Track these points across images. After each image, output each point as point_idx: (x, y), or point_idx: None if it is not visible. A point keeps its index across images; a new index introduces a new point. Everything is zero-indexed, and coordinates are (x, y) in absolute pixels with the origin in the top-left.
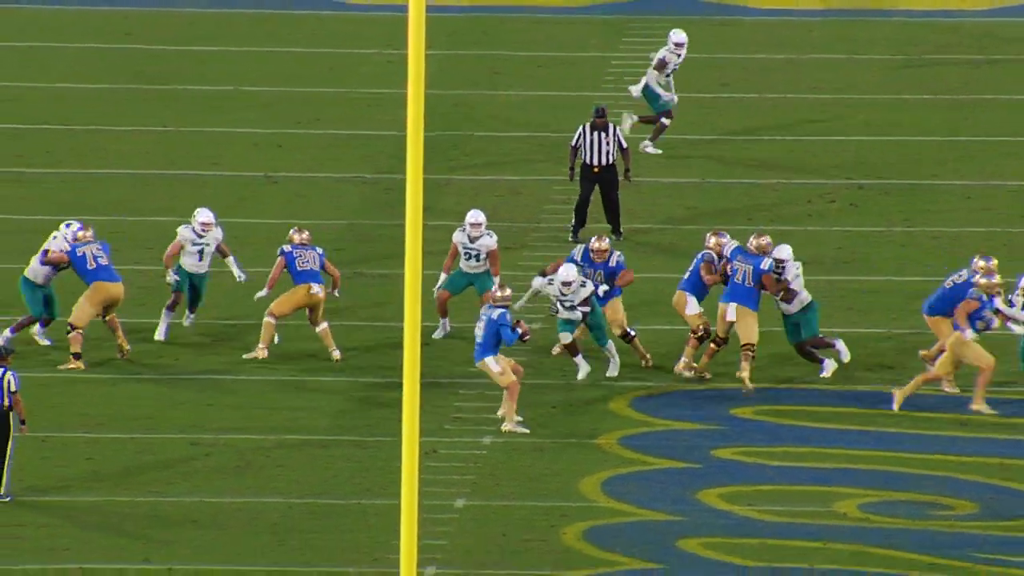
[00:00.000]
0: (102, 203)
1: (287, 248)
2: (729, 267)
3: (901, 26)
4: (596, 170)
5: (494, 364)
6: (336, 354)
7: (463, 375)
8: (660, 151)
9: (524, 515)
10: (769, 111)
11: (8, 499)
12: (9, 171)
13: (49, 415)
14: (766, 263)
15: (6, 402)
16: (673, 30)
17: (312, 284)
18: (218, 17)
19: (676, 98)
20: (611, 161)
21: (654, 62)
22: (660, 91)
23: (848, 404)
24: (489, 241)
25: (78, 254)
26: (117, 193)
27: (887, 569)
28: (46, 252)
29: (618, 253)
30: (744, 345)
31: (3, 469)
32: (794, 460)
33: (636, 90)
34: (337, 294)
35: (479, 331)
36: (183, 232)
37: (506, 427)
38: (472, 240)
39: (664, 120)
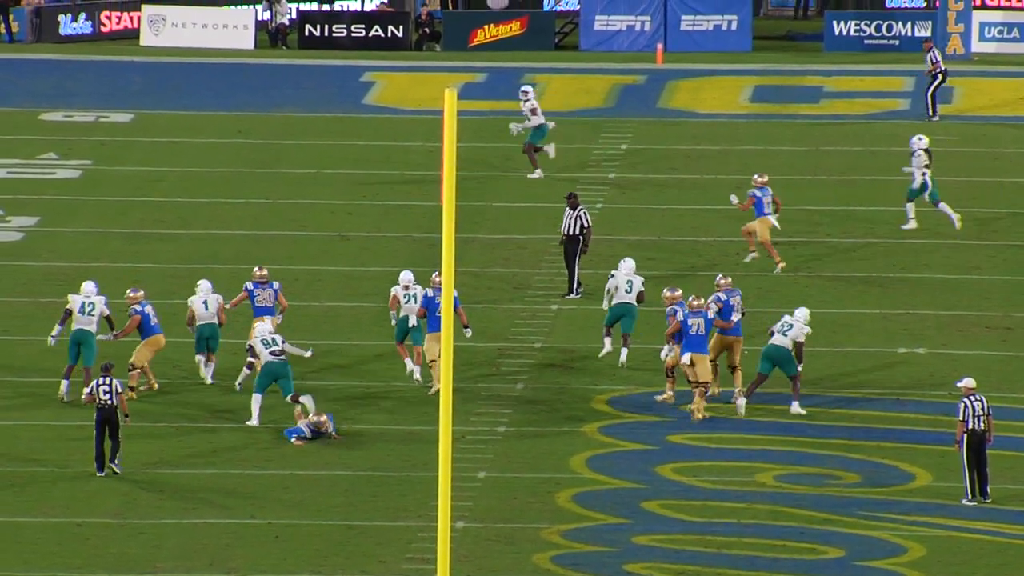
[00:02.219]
0: (223, 256)
1: (249, 285)
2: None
3: (804, 126)
4: (566, 238)
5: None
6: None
7: (484, 380)
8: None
9: (528, 484)
10: (707, 187)
11: (119, 470)
12: (153, 232)
13: (177, 411)
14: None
15: (114, 401)
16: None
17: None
18: (305, 119)
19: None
20: (576, 232)
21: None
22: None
23: (764, 403)
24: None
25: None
26: (234, 248)
27: (794, 524)
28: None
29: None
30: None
31: (117, 448)
32: (726, 444)
33: (516, 128)
34: (279, 319)
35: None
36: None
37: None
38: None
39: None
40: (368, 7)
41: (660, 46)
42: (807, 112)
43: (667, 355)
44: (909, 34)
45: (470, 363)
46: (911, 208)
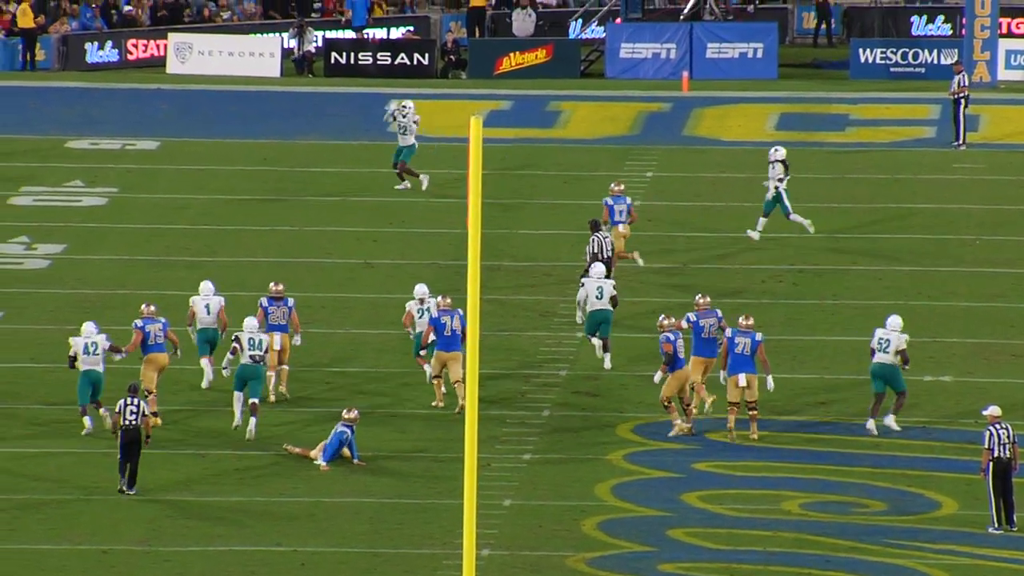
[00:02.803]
0: (249, 283)
1: (264, 302)
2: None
3: (829, 154)
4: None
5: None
6: (282, 390)
7: (509, 408)
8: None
9: (554, 511)
10: (732, 215)
11: (133, 492)
12: (181, 259)
13: (201, 435)
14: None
15: (139, 422)
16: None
17: (275, 334)
18: (331, 147)
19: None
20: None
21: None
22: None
23: (792, 431)
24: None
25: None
26: (260, 276)
27: (820, 552)
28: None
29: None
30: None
31: (136, 470)
32: (752, 472)
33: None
34: (298, 340)
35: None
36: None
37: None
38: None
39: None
40: (394, 35)
41: (686, 74)
42: (833, 140)
43: (660, 381)
44: (935, 62)
45: (495, 390)
46: (762, 222)
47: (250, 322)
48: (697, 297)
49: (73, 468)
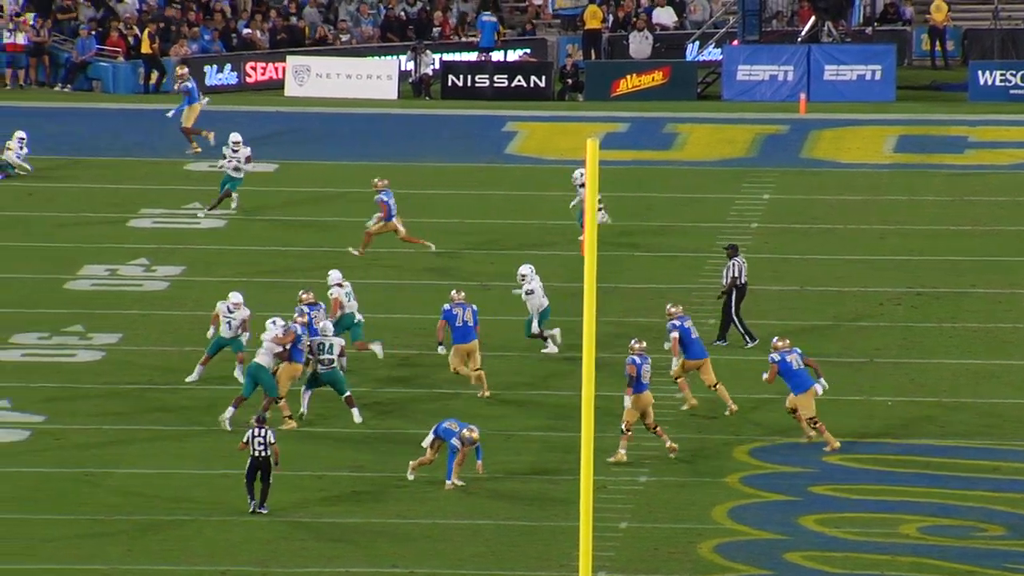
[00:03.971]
0: (364, 305)
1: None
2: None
3: (948, 176)
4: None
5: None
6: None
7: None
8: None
9: (670, 534)
10: (848, 237)
11: (264, 511)
12: (297, 281)
13: (320, 455)
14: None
15: (267, 453)
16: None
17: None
18: (448, 169)
19: None
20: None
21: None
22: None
23: (908, 454)
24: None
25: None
26: (375, 297)
27: None
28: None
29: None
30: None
31: (267, 490)
32: (869, 495)
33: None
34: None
35: None
36: (219, 306)
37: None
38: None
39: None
40: (511, 58)
41: (803, 96)
42: (952, 162)
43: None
44: None
45: (611, 413)
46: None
47: (326, 325)
48: (668, 307)
49: (192, 489)
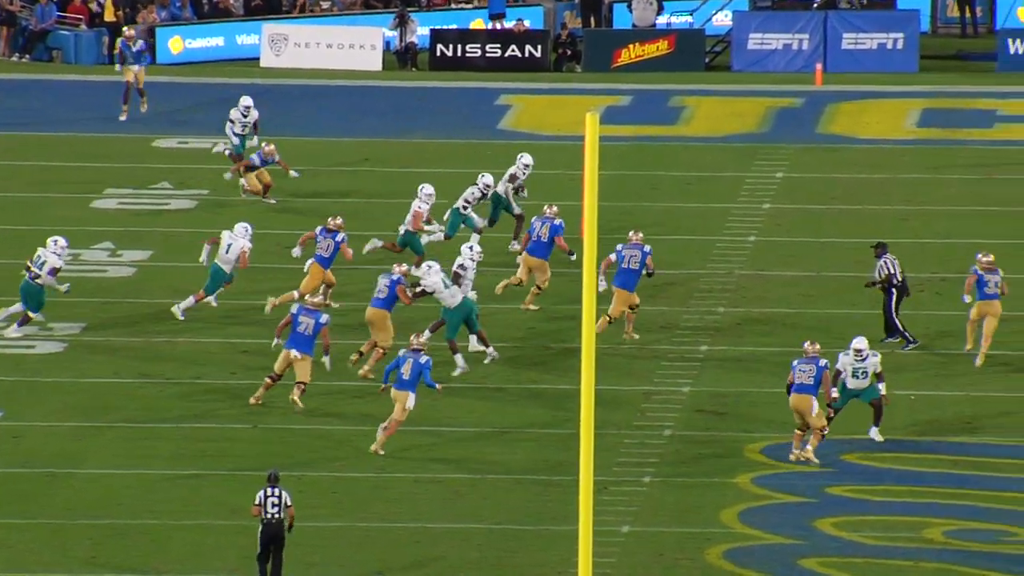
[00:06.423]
0: (341, 290)
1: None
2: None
3: (975, 152)
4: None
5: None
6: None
7: (627, 427)
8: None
9: (676, 539)
10: (868, 219)
11: None
12: (272, 266)
13: (300, 457)
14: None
15: (281, 515)
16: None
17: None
18: (436, 145)
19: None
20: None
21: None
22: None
23: (932, 452)
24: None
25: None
26: (358, 281)
27: None
28: None
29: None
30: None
31: (280, 568)
32: (891, 496)
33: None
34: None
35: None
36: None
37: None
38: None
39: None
40: (505, 26)
41: (819, 66)
42: (979, 138)
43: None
44: None
45: (613, 406)
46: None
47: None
48: (630, 233)
49: (159, 490)
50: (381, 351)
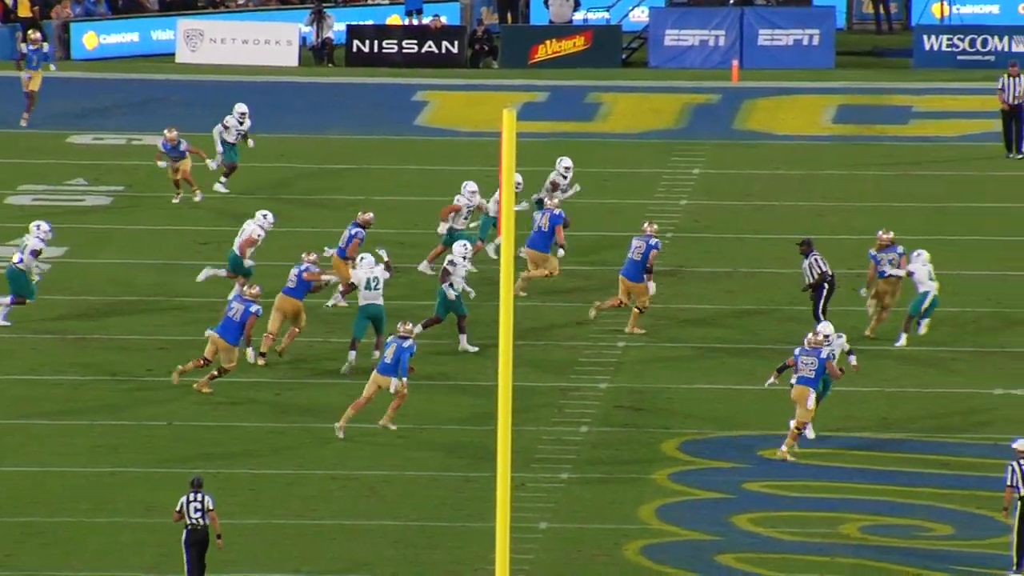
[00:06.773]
0: (266, 288)
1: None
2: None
3: (891, 148)
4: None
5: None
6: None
7: (545, 423)
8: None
9: (593, 535)
10: (785, 215)
11: None
12: (190, 263)
13: (217, 454)
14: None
15: (205, 521)
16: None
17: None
18: (353, 141)
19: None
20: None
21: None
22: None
23: (849, 448)
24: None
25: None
26: (278, 279)
27: None
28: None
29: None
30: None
31: (203, 570)
32: (808, 492)
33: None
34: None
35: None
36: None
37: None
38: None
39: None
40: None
41: (735, 63)
42: (895, 134)
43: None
44: (1006, 49)
45: (531, 403)
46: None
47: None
48: (644, 224)
49: (76, 488)
50: (296, 329)
